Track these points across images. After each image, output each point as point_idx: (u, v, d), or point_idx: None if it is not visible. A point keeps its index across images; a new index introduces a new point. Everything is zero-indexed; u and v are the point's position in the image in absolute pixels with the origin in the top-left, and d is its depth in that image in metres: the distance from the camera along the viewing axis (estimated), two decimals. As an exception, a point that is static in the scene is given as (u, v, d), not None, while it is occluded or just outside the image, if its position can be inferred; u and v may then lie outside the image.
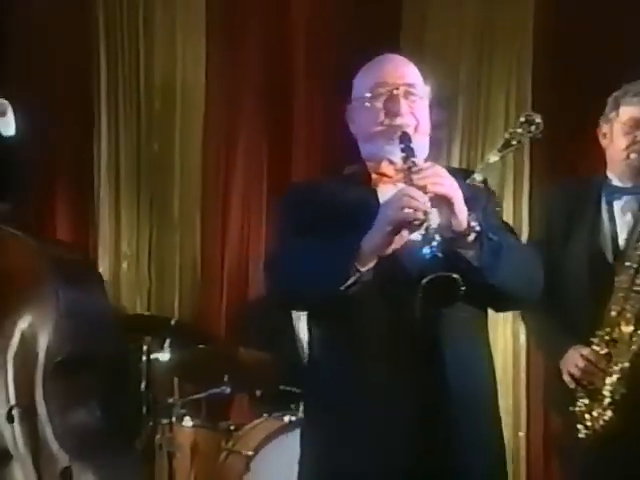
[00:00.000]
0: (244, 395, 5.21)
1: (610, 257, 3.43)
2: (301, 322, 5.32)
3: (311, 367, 2.91)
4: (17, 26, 5.56)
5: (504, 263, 2.58)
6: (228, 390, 4.68)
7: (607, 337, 3.37)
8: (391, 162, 2.80)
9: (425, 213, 2.48)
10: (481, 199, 2.73)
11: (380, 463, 2.56)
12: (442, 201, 2.52)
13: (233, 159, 6.08)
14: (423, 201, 2.49)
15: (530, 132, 3.13)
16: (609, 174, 3.59)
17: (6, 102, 3.20)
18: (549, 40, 5.67)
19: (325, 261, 2.58)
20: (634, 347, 3.34)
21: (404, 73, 2.86)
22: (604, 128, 3.69)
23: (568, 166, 4.97)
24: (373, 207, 2.67)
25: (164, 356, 4.67)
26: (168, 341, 4.71)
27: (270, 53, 6.03)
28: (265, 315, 5.34)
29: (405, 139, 2.71)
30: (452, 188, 2.56)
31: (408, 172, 2.61)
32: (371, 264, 2.54)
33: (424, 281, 2.40)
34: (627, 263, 3.33)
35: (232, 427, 4.65)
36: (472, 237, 2.55)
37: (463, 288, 2.40)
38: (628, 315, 3.35)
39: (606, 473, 3.31)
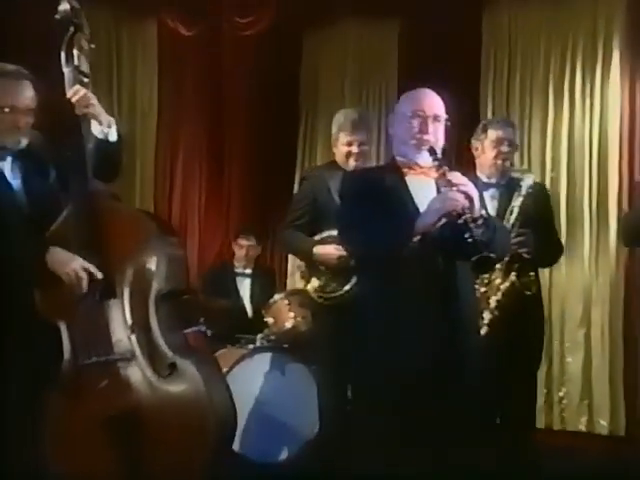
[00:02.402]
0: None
1: None
2: (244, 284, 5.70)
3: (364, 303, 3.08)
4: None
5: (498, 237, 2.91)
6: (204, 328, 4.86)
7: (486, 280, 3.66)
8: (417, 163, 3.05)
9: (463, 208, 2.80)
10: None
11: (419, 344, 2.85)
12: (466, 197, 2.82)
13: (175, 167, 6.44)
14: (462, 200, 2.82)
15: None
16: (479, 174, 3.84)
17: (112, 118, 3.26)
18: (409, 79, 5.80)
19: (391, 232, 2.86)
20: (502, 287, 3.65)
21: (435, 105, 3.08)
22: (475, 144, 3.97)
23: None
24: (404, 190, 3.00)
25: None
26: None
27: (204, 92, 6.38)
28: (216, 277, 5.67)
29: (433, 152, 2.97)
30: (472, 188, 2.90)
31: (443, 175, 2.90)
32: (419, 236, 2.85)
33: (474, 259, 2.76)
34: None
35: (204, 354, 4.86)
36: (481, 221, 2.84)
37: (495, 262, 2.75)
38: (499, 265, 3.59)
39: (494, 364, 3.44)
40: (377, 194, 2.99)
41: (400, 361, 2.88)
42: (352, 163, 4.06)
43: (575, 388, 5.53)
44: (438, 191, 2.99)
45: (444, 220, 2.86)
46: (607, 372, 5.47)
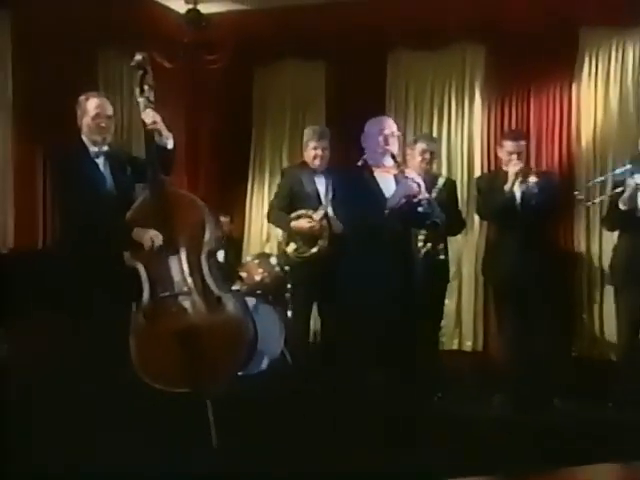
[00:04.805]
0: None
1: None
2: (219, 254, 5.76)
3: (348, 261, 3.47)
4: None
5: (437, 209, 3.41)
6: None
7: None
8: (384, 165, 3.50)
9: (416, 192, 3.30)
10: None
11: (389, 287, 3.34)
12: (417, 185, 3.32)
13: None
14: (415, 187, 3.31)
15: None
16: None
17: (169, 133, 3.66)
18: (333, 106, 6.17)
19: (369, 210, 3.32)
20: (422, 252, 4.04)
21: (392, 126, 3.51)
22: (408, 153, 4.39)
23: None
24: (375, 182, 3.44)
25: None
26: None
27: (183, 110, 6.47)
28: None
29: (394, 156, 3.46)
30: (420, 179, 3.41)
31: (402, 171, 3.39)
32: (387, 212, 3.31)
33: (427, 222, 3.30)
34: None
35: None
36: (426, 200, 3.34)
37: (439, 225, 3.22)
38: (421, 237, 4.10)
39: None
40: (358, 185, 3.48)
41: (373, 289, 3.39)
42: (317, 163, 4.46)
43: (450, 320, 5.98)
44: (396, 183, 3.47)
45: (404, 200, 3.35)
46: (472, 310, 6.04)
